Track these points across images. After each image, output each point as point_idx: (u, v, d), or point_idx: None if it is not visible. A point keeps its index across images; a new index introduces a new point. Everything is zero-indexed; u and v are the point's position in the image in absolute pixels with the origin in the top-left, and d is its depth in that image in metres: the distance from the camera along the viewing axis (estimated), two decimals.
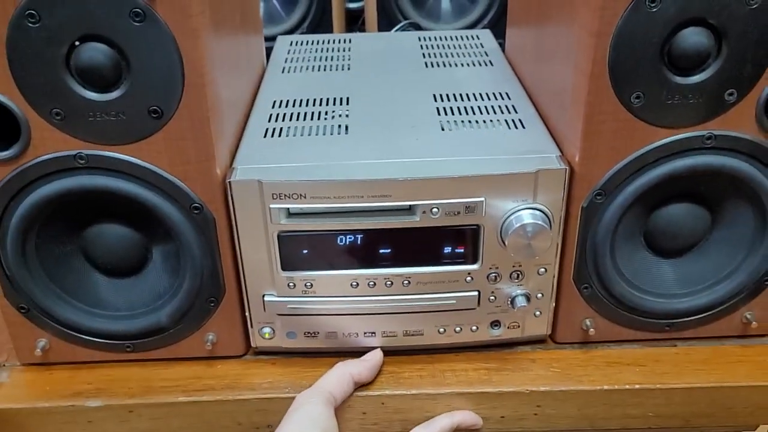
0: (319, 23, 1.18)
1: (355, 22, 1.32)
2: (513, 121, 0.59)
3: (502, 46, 0.78)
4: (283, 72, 0.71)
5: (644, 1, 0.46)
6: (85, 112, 0.48)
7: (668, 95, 0.49)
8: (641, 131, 0.50)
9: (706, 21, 0.47)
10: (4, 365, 0.59)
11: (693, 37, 0.47)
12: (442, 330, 0.57)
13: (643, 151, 0.51)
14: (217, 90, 0.50)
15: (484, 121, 0.58)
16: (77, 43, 0.46)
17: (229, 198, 0.51)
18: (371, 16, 1.15)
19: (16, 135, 0.49)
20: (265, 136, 0.57)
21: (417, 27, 1.07)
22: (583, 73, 0.49)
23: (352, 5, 1.32)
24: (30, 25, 0.45)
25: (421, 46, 0.78)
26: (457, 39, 0.80)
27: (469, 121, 0.59)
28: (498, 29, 1.03)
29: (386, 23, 1.16)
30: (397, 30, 1.07)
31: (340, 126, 0.58)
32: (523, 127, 0.58)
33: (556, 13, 0.55)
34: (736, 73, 0.48)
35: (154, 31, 0.45)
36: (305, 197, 0.50)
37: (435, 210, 0.51)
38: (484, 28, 1.17)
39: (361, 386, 0.55)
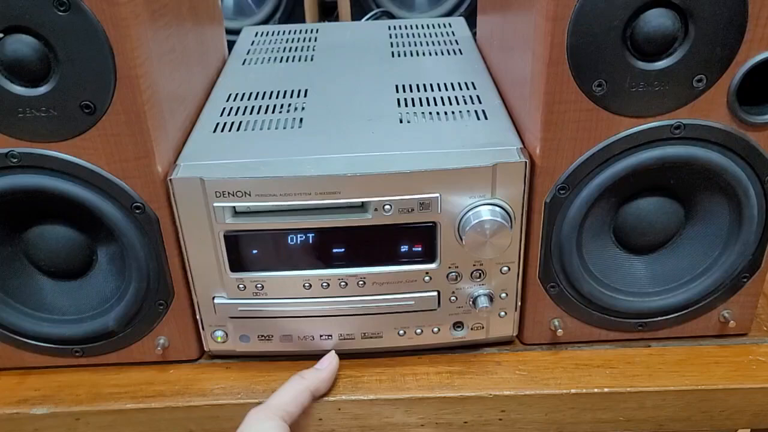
0: (291, 15, 1.16)
1: (329, 14, 1.29)
2: (476, 111, 0.56)
3: (476, 35, 0.75)
4: (243, 64, 0.68)
5: None
6: (14, 108, 0.45)
7: (632, 82, 0.46)
8: (605, 121, 0.48)
9: (671, 1, 0.44)
10: None
11: (657, 19, 0.44)
12: (401, 332, 0.54)
13: (608, 143, 0.48)
14: (155, 83, 0.48)
15: (446, 113, 0.56)
16: (1, 35, 0.43)
17: (172, 197, 0.49)
18: (344, 6, 1.12)
19: None
20: (214, 131, 0.55)
21: (390, 16, 1.04)
22: (542, 61, 0.46)
23: None
24: None
25: (390, 35, 0.75)
26: (428, 27, 0.77)
27: (430, 113, 0.56)
28: (473, 18, 1.00)
29: (360, 14, 1.13)
30: (368, 19, 1.04)
31: (294, 120, 0.56)
32: (486, 118, 0.55)
33: (515, 8, 0.53)
34: (704, 57, 0.45)
35: (80, 20, 0.43)
36: (250, 195, 0.48)
37: (387, 207, 0.48)
38: (460, 16, 1.14)
39: (319, 398, 0.53)
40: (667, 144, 0.48)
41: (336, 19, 1.22)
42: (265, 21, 1.16)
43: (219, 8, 0.72)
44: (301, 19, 1.16)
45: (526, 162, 0.48)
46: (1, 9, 0.42)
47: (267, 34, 0.77)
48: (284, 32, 0.77)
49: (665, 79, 0.46)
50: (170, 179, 0.48)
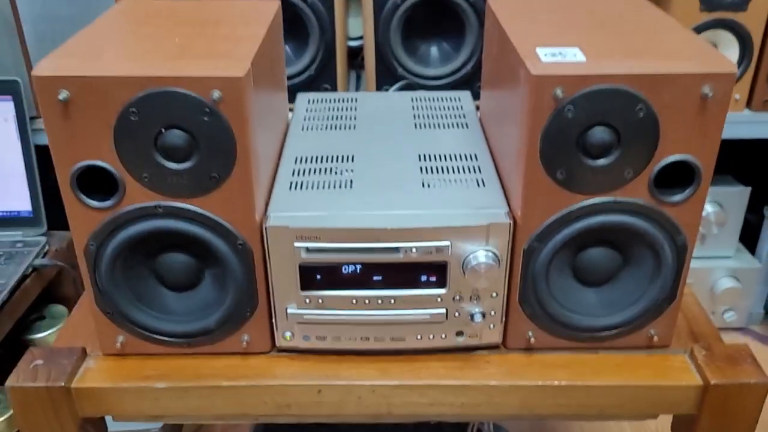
0: (326, 64, 1.37)
1: (355, 57, 1.52)
2: (476, 180, 0.77)
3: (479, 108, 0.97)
4: (302, 130, 0.90)
5: (563, 109, 0.65)
6: (165, 177, 0.67)
7: (583, 173, 0.68)
8: (565, 197, 0.69)
9: (608, 123, 0.66)
10: (90, 354, 0.78)
11: (599, 134, 0.66)
12: (419, 337, 0.76)
13: (567, 211, 0.70)
14: (258, 155, 0.69)
15: (455, 180, 0.77)
16: (163, 130, 0.65)
17: (265, 238, 0.70)
18: (369, 61, 1.34)
19: (115, 190, 0.68)
20: (290, 188, 0.76)
21: (411, 87, 1.27)
22: (523, 155, 0.67)
23: (352, 43, 1.52)
24: (132, 118, 0.64)
25: (413, 107, 0.97)
26: (442, 100, 0.99)
27: (444, 180, 0.77)
28: (479, 75, 1.24)
29: (382, 65, 1.35)
30: (395, 89, 1.26)
31: (346, 181, 0.77)
32: (484, 185, 0.77)
33: (504, 101, 0.74)
34: (631, 159, 0.67)
35: (217, 122, 0.64)
36: (320, 239, 0.70)
37: (413, 250, 0.70)
38: (466, 72, 1.36)
39: None
40: (607, 213, 0.70)
41: (361, 62, 1.44)
42: (305, 69, 1.36)
43: (285, 77, 0.93)
44: (334, 65, 1.38)
45: (510, 223, 0.70)
46: (165, 114, 0.64)
47: (318, 101, 0.98)
48: (331, 100, 0.99)
49: (605, 171, 0.68)
50: (266, 227, 0.70)
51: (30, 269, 1.24)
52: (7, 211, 1.30)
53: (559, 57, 0.66)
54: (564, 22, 0.77)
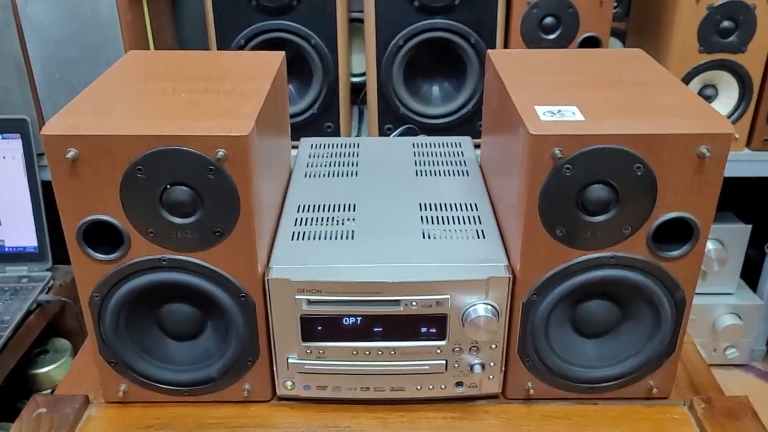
0: (329, 103, 1.39)
1: (358, 93, 1.53)
2: (476, 231, 0.78)
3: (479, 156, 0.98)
4: (305, 177, 0.91)
5: (561, 168, 0.66)
6: (170, 231, 0.68)
7: (582, 230, 0.69)
8: (564, 252, 0.70)
9: (606, 181, 0.67)
10: (93, 402, 0.79)
11: (597, 192, 0.67)
12: (419, 387, 0.76)
13: (565, 266, 0.71)
14: (261, 210, 0.70)
15: (455, 231, 0.78)
16: (168, 186, 0.66)
17: (267, 290, 0.71)
18: (372, 100, 1.36)
19: (120, 243, 0.69)
20: (292, 239, 0.77)
21: (414, 132, 1.29)
22: (522, 213, 0.68)
23: (355, 79, 1.54)
24: (138, 175, 0.65)
25: (414, 153, 0.98)
26: (443, 146, 1.00)
27: (445, 231, 0.78)
28: (479, 115, 1.26)
29: (384, 103, 1.37)
30: (396, 134, 1.28)
31: (348, 232, 0.78)
32: (484, 237, 0.77)
33: (504, 152, 0.76)
34: (629, 216, 0.68)
35: (222, 180, 0.66)
36: (321, 292, 0.71)
37: (414, 303, 0.71)
38: (467, 112, 1.38)
39: None
40: (606, 268, 0.71)
41: (364, 97, 1.46)
42: (307, 108, 1.38)
43: (288, 124, 0.95)
44: (336, 102, 1.39)
45: (510, 277, 0.71)
46: (171, 171, 0.65)
47: (321, 147, 1.00)
48: (333, 145, 1.00)
49: (603, 228, 0.69)
50: (267, 279, 0.71)
51: (34, 305, 1.25)
52: (13, 247, 1.32)
53: (557, 116, 0.67)
54: (563, 79, 0.78)
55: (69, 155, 0.63)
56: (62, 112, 0.67)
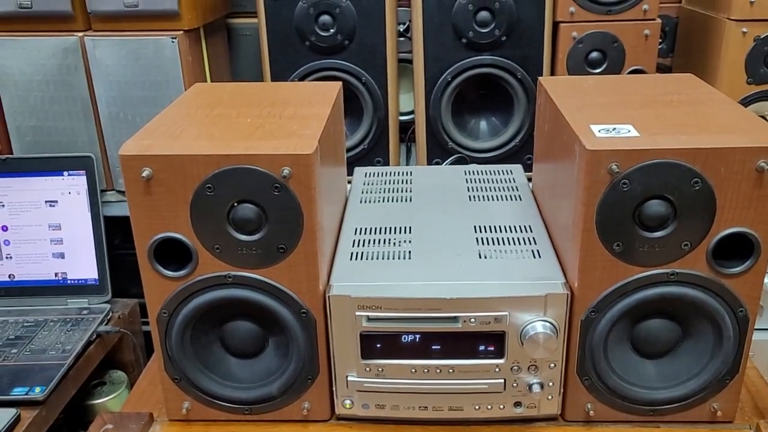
0: (379, 139, 1.42)
1: (405, 131, 1.57)
2: (532, 251, 0.79)
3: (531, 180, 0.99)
4: (361, 202, 0.94)
5: (618, 183, 0.66)
6: (236, 248, 0.71)
7: (640, 245, 0.69)
8: (622, 268, 0.70)
9: (664, 196, 0.67)
10: (157, 419, 0.80)
11: (655, 207, 0.67)
12: (477, 407, 0.76)
13: (624, 282, 0.71)
14: (322, 228, 0.72)
15: (511, 251, 0.79)
16: (236, 204, 0.69)
17: (328, 307, 0.73)
18: (420, 135, 1.39)
19: (188, 260, 0.72)
20: (351, 259, 0.79)
21: (465, 162, 1.31)
22: (579, 228, 0.69)
23: (403, 118, 1.57)
24: (207, 193, 0.68)
25: (467, 180, 1.00)
26: (494, 173, 1.02)
27: (500, 251, 0.79)
28: (527, 148, 1.27)
29: (433, 138, 1.40)
30: (448, 163, 1.30)
31: (405, 252, 0.80)
32: (540, 256, 0.78)
33: (559, 175, 0.77)
34: (688, 231, 0.68)
35: (287, 197, 0.68)
36: (381, 308, 0.72)
37: (473, 320, 0.72)
38: (515, 146, 1.39)
39: None
40: (665, 285, 0.70)
41: (412, 134, 1.49)
42: (359, 144, 1.42)
43: (344, 152, 0.98)
44: (387, 137, 1.43)
45: (567, 294, 0.71)
46: (238, 189, 0.68)
47: (374, 175, 1.02)
48: (387, 173, 1.03)
49: (662, 243, 0.69)
50: (329, 296, 0.72)
51: (94, 335, 1.28)
52: (75, 279, 1.36)
53: (613, 133, 0.69)
54: (615, 100, 0.80)
55: (144, 174, 0.67)
56: (136, 136, 0.71)
